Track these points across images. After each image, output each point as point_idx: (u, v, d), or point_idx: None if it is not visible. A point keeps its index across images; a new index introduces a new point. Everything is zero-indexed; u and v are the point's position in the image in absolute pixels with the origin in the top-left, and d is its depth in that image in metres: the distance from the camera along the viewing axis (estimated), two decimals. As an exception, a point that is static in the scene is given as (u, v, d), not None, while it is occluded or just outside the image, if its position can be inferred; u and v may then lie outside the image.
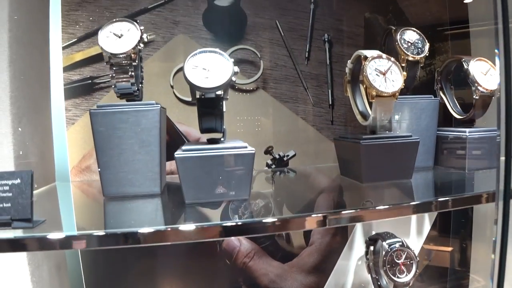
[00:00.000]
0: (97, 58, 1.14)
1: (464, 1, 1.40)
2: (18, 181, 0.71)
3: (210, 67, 0.82)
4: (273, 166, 1.20)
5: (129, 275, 1.18)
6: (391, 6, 1.31)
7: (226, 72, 0.81)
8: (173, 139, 1.15)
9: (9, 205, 0.70)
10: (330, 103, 1.25)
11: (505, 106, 0.84)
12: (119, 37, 0.89)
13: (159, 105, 0.88)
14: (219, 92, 0.80)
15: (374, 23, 1.29)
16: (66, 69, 1.13)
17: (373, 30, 1.29)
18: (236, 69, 0.82)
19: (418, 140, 0.92)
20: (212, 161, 0.80)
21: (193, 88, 0.81)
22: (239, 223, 0.69)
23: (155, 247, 1.18)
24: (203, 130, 0.86)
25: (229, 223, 0.69)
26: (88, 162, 1.16)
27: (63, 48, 1.13)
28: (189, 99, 1.17)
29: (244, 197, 0.83)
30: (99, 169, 0.88)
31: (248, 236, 1.20)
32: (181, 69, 1.15)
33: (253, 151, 0.81)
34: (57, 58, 1.13)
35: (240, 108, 1.19)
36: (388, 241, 1.02)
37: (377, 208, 0.74)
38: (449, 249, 1.61)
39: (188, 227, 0.67)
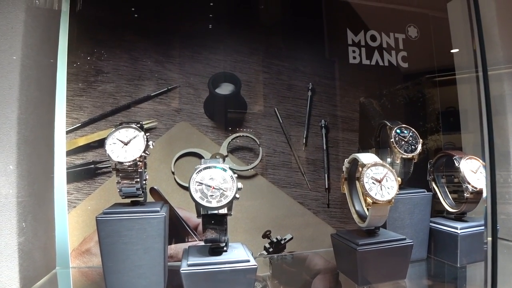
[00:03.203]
0: (100, 143, 1.16)
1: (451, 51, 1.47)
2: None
3: (214, 184, 0.85)
4: (271, 250, 1.23)
5: None
6: (384, 90, 1.37)
7: (230, 189, 0.85)
8: (174, 224, 1.18)
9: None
10: (326, 186, 1.29)
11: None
12: (126, 144, 0.92)
13: (164, 214, 0.90)
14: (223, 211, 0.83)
15: (368, 107, 1.34)
16: (69, 153, 1.16)
17: (367, 114, 1.34)
18: (240, 185, 0.85)
19: (412, 243, 0.96)
20: (216, 277, 0.83)
21: (198, 206, 0.84)
22: None
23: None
24: (207, 241, 0.89)
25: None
26: (88, 245, 1.18)
27: (67, 132, 1.16)
28: (190, 184, 1.21)
29: (248, 307, 0.85)
30: (104, 273, 0.90)
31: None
32: (182, 156, 1.21)
33: (255, 266, 0.84)
34: (61, 143, 1.16)
35: (239, 193, 1.22)
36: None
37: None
38: None
39: None
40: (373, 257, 0.94)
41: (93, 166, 1.17)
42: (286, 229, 1.25)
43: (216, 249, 0.89)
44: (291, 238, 1.25)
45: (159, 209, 0.92)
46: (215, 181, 0.85)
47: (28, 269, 0.97)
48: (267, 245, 1.23)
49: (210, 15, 1.26)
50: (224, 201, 0.83)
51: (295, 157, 1.27)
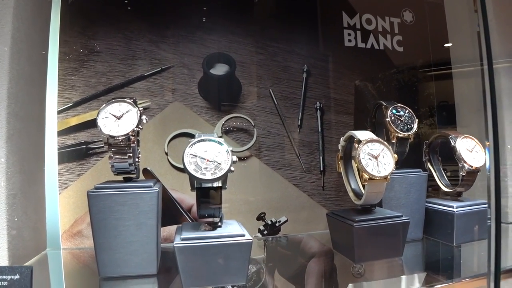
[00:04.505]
0: (92, 123, 1.14)
1: (444, 45, 1.47)
2: (17, 276, 0.71)
3: (209, 156, 0.84)
4: (265, 232, 1.22)
5: None
6: (380, 74, 1.36)
7: (224, 162, 0.83)
8: (167, 206, 1.16)
9: (7, 303, 0.70)
10: (321, 169, 1.28)
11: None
12: (118, 118, 0.90)
13: (157, 189, 0.89)
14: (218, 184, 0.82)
15: (364, 91, 1.34)
16: (61, 133, 1.14)
17: (363, 97, 1.33)
18: (235, 158, 0.84)
19: (409, 220, 0.95)
20: (210, 251, 0.81)
21: (192, 178, 0.82)
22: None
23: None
24: (201, 216, 0.87)
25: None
26: (80, 227, 1.15)
27: (59, 112, 1.14)
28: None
29: (241, 283, 0.84)
30: (95, 249, 0.88)
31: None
32: (176, 136, 1.19)
33: (251, 240, 0.82)
34: (52, 122, 1.14)
35: (233, 175, 1.20)
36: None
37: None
38: None
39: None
40: (369, 234, 0.93)
41: (85, 146, 1.15)
42: (281, 211, 1.24)
43: (211, 223, 0.88)
44: (286, 221, 1.23)
45: (152, 184, 0.90)
46: (210, 154, 0.84)
47: (18, 248, 0.94)
48: (262, 228, 1.22)
49: (205, -4, 1.25)
50: (219, 174, 0.82)
51: (290, 139, 1.26)
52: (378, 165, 0.93)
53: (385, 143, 0.95)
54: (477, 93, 1.20)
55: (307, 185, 1.27)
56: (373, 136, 0.96)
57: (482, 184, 1.09)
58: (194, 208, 1.18)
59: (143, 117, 0.91)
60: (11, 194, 0.92)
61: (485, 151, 1.05)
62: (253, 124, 1.23)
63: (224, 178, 0.83)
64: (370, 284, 0.93)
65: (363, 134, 0.97)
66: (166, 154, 1.18)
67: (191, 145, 0.84)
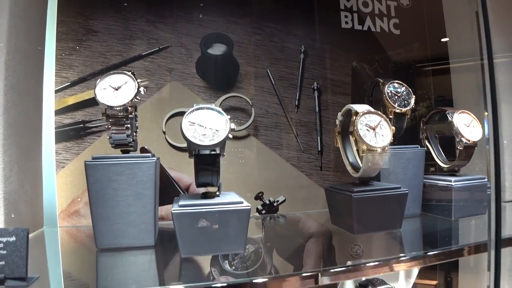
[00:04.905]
0: (90, 102, 1.15)
1: (442, 40, 1.48)
2: (13, 238, 0.70)
3: (207, 124, 0.84)
4: (263, 212, 1.21)
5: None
6: (377, 56, 1.37)
7: (222, 129, 0.83)
8: (164, 185, 1.15)
9: (3, 263, 0.69)
10: (319, 149, 1.28)
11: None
12: (116, 89, 0.90)
13: (155, 158, 0.89)
14: (216, 150, 0.82)
15: (361, 72, 1.34)
16: (58, 112, 1.13)
17: (360, 78, 1.34)
18: (233, 126, 0.84)
19: (407, 192, 0.95)
20: (208, 217, 0.81)
21: (190, 145, 0.82)
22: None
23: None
24: (199, 185, 0.87)
25: (218, 284, 0.69)
26: (77, 206, 1.15)
27: (56, 91, 1.13)
28: (181, 145, 1.19)
29: (239, 251, 0.83)
30: (93, 220, 0.87)
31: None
32: (174, 115, 1.19)
33: (249, 207, 0.82)
34: (49, 101, 1.13)
35: (231, 154, 1.21)
36: (378, 287, 1.03)
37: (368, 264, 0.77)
38: (434, 282, 1.63)
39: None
40: (368, 204, 0.93)
41: (82, 125, 1.15)
42: (278, 191, 1.24)
43: (208, 193, 0.87)
44: (284, 201, 1.23)
45: (149, 155, 0.90)
46: (208, 121, 0.84)
47: (14, 222, 0.94)
48: (260, 207, 1.22)
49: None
50: (217, 140, 0.81)
51: (287, 119, 1.26)
52: (376, 136, 0.93)
53: (383, 115, 0.96)
54: (476, 86, 1.19)
55: (305, 165, 1.27)
56: (371, 109, 0.96)
57: (479, 162, 1.10)
58: (192, 188, 1.18)
59: (141, 89, 0.91)
60: (7, 166, 0.92)
61: (482, 126, 1.06)
62: (250, 104, 1.23)
63: (222, 145, 0.83)
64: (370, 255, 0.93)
65: (360, 107, 0.97)
66: (164, 133, 1.18)
67: (190, 112, 0.84)
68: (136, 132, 0.98)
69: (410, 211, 1.07)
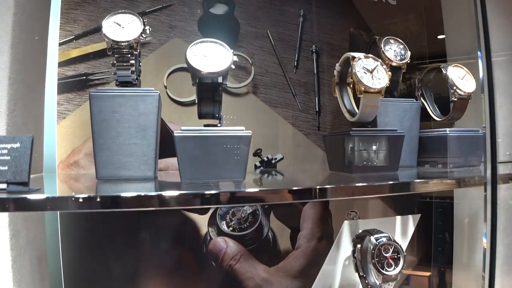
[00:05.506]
0: (93, 55, 1.17)
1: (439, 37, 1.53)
2: (18, 145, 0.72)
3: (211, 55, 0.86)
4: (261, 168, 1.23)
5: (109, 276, 1.14)
6: (374, 24, 1.41)
7: (225, 60, 0.86)
8: (164, 138, 1.17)
9: (6, 168, 0.70)
10: (317, 110, 1.31)
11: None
12: (122, 27, 0.93)
13: (158, 92, 0.90)
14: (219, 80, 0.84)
15: (358, 38, 1.38)
16: (61, 64, 1.15)
17: (357, 43, 1.38)
18: (236, 58, 0.86)
19: (403, 134, 0.97)
20: (210, 141, 0.82)
21: (194, 72, 0.84)
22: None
23: (137, 246, 1.16)
24: (201, 115, 0.89)
25: (212, 191, 0.70)
26: (76, 157, 1.15)
27: (60, 44, 1.15)
28: (182, 99, 1.21)
29: (239, 179, 0.84)
30: (94, 151, 0.88)
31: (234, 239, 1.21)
32: (175, 71, 1.21)
33: (250, 134, 0.84)
34: (53, 53, 1.15)
35: (230, 111, 1.23)
36: (375, 235, 1.04)
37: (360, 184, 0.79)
38: (428, 274, 1.64)
39: (173, 193, 0.68)
40: (365, 143, 0.95)
41: (85, 77, 1.17)
42: (276, 148, 1.25)
43: (210, 125, 0.89)
44: (282, 158, 1.25)
45: (153, 89, 0.92)
46: (212, 52, 0.86)
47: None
48: (258, 164, 1.23)
49: None
50: (220, 68, 0.84)
51: (286, 79, 1.29)
52: (372, 79, 0.96)
53: (379, 60, 0.99)
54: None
55: (303, 124, 1.29)
56: (367, 54, 0.99)
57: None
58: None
59: (147, 27, 0.94)
60: (12, 99, 0.93)
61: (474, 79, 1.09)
62: (250, 62, 1.26)
63: (224, 74, 0.85)
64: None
65: (358, 53, 1.00)
66: (165, 87, 1.20)
67: (194, 44, 0.87)
68: (139, 75, 1.00)
69: (406, 163, 1.09)
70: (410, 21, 1.47)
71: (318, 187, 0.74)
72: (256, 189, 0.75)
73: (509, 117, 1.29)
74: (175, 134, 0.82)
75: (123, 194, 0.67)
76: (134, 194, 0.67)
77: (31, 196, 0.65)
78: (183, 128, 0.83)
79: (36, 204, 0.65)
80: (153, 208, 0.67)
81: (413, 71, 1.42)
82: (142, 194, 0.68)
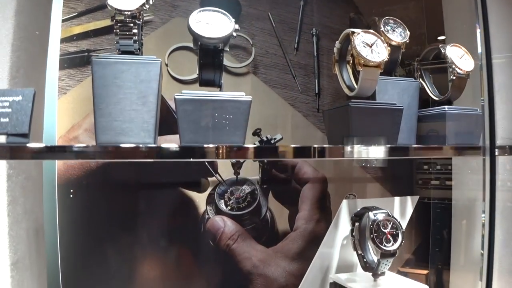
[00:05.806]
0: (96, 32, 1.18)
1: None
2: (20, 98, 0.72)
3: (213, 22, 0.88)
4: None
5: (104, 252, 1.14)
6: (374, 9, 1.43)
7: (227, 27, 0.87)
8: (164, 116, 1.17)
9: (6, 120, 0.70)
10: (317, 92, 1.32)
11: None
12: (126, -4, 0.94)
13: (160, 59, 0.91)
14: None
15: (358, 23, 1.40)
16: (64, 40, 1.16)
17: (357, 28, 1.39)
18: (237, 26, 0.87)
19: (402, 107, 0.98)
20: (210, 105, 0.83)
21: (196, 37, 0.86)
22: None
23: (132, 227, 1.16)
24: (202, 82, 0.90)
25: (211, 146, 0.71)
26: (76, 132, 1.16)
27: (63, 21, 1.16)
28: (183, 77, 1.22)
29: (239, 143, 0.85)
30: (95, 116, 0.88)
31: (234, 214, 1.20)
32: (176, 49, 1.23)
33: (250, 99, 0.84)
34: (55, 29, 1.16)
35: (231, 90, 1.23)
36: (374, 211, 1.04)
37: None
38: (425, 272, 1.63)
39: (172, 145, 0.69)
40: (365, 115, 0.96)
41: (87, 54, 1.18)
42: (276, 129, 1.26)
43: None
44: (281, 139, 1.25)
45: (155, 56, 0.92)
46: (214, 20, 0.88)
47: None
48: (257, 143, 1.23)
49: None
50: (222, 34, 0.85)
51: (286, 60, 1.30)
52: (372, 52, 0.97)
53: (379, 35, 1.00)
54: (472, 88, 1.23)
55: (302, 105, 1.30)
56: (368, 30, 1.01)
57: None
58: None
59: (151, -2, 0.95)
60: (14, 66, 0.94)
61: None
62: (251, 43, 1.27)
63: (226, 40, 0.86)
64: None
65: (358, 29, 1.01)
66: (166, 65, 1.21)
67: (197, 12, 0.88)
68: (140, 49, 1.01)
69: (405, 141, 1.09)
70: (409, 8, 1.48)
71: (317, 146, 0.74)
72: (256, 145, 0.75)
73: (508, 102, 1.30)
74: (175, 96, 0.82)
75: (122, 144, 0.67)
76: (132, 145, 0.67)
77: (30, 144, 0.65)
78: (184, 91, 0.84)
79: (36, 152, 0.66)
80: (152, 160, 0.67)
81: (413, 58, 1.43)
82: (141, 145, 0.68)
